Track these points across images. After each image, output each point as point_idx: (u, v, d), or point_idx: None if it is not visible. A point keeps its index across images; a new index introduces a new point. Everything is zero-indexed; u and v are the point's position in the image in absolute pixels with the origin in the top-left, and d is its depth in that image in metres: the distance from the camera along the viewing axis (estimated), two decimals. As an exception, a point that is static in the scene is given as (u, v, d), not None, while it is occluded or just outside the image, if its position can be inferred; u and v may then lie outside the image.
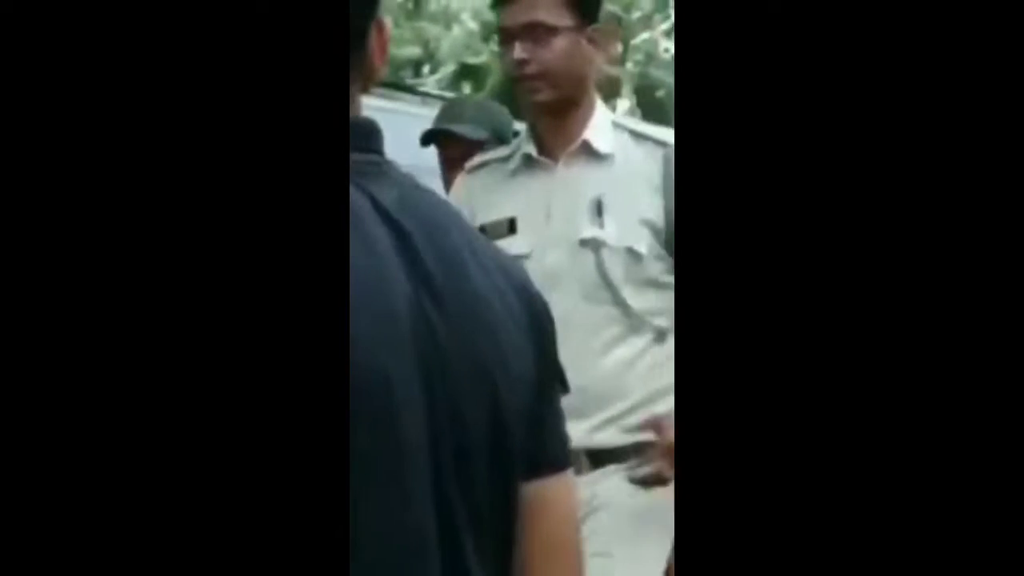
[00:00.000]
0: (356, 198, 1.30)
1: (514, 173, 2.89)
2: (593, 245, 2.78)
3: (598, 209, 2.80)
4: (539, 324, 1.40)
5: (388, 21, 1.40)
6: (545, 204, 2.83)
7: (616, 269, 2.77)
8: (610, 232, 2.78)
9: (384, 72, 1.41)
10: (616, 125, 2.90)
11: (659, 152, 2.82)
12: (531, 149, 2.87)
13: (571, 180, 2.83)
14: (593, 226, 2.79)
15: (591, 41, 2.84)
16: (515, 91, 2.84)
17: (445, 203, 1.45)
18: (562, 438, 1.42)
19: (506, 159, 2.93)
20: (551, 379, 1.41)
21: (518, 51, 2.78)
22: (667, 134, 2.90)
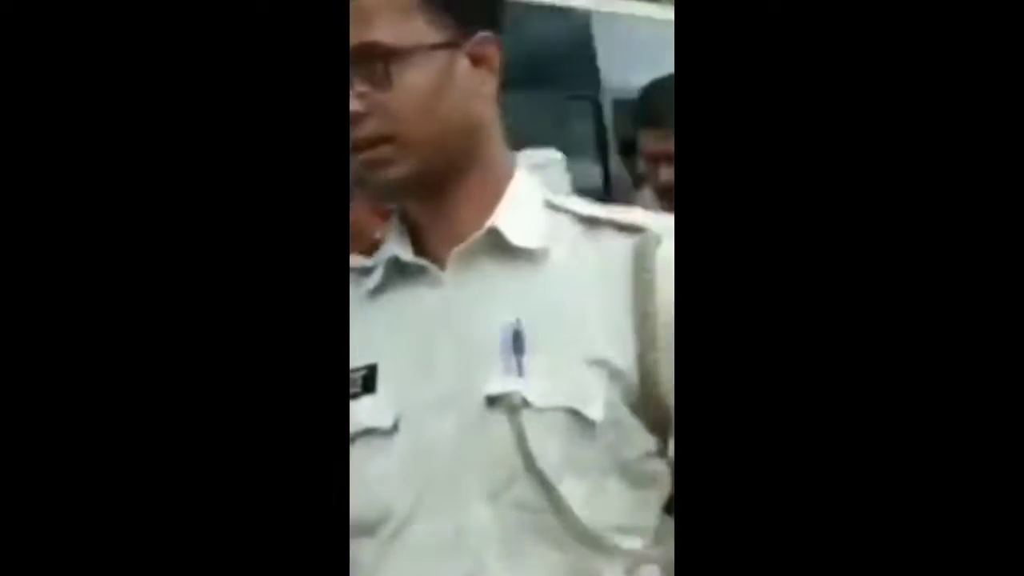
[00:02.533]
0: None
1: (376, 292, 1.70)
2: (507, 406, 1.55)
3: (515, 343, 1.57)
4: None
5: None
6: (426, 340, 1.62)
7: (548, 448, 1.55)
8: (536, 383, 1.56)
9: None
10: (551, 206, 1.69)
11: (627, 243, 1.62)
12: (402, 250, 1.68)
13: (468, 297, 1.62)
14: (507, 374, 1.57)
15: (477, 60, 1.62)
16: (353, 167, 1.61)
17: None
18: None
19: (364, 271, 1.73)
20: None
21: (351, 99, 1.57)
22: (641, 215, 1.67)
